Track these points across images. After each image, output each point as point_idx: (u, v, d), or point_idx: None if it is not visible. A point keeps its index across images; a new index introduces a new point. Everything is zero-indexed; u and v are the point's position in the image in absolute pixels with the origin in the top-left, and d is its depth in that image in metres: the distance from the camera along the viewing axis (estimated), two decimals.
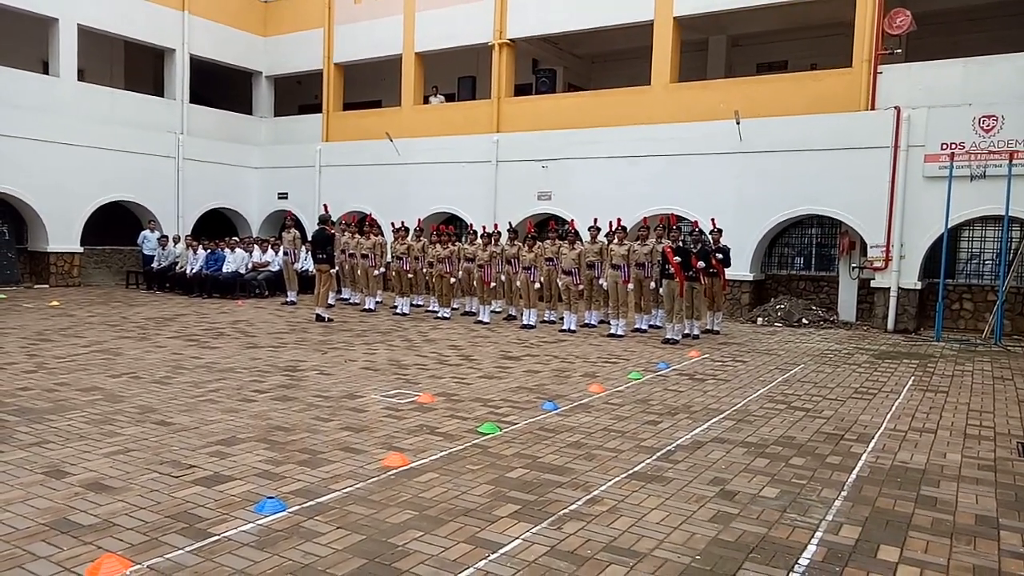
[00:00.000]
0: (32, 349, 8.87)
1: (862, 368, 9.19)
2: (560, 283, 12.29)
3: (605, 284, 12.03)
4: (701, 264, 11.16)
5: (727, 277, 12.74)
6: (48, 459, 4.74)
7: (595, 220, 12.68)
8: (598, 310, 12.79)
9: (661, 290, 11.33)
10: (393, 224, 14.87)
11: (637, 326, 12.31)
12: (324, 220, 13.32)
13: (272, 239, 18.23)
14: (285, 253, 15.54)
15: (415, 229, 14.80)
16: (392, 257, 14.32)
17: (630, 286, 11.70)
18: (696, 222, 14.11)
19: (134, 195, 18.41)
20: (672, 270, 10.80)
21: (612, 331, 11.60)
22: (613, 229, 12.28)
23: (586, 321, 12.76)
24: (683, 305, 11.05)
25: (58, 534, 3.60)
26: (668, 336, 11.04)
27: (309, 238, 16.96)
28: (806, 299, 14.55)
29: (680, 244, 11.04)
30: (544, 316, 13.04)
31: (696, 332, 11.68)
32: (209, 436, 5.37)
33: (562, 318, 12.49)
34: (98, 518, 3.80)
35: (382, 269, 14.54)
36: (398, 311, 13.80)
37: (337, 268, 13.93)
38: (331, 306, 13.77)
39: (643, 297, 12.21)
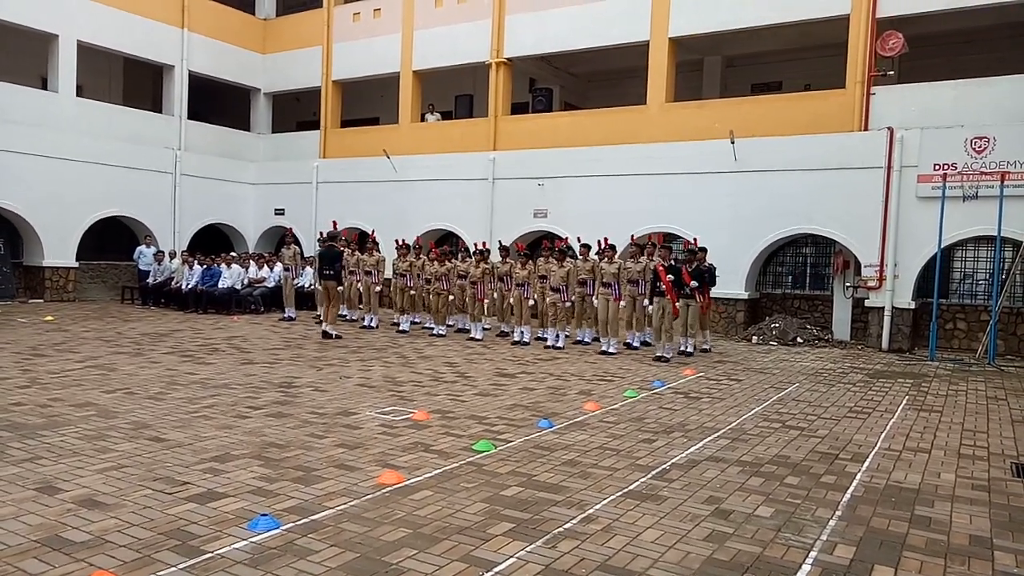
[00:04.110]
0: (26, 364, 8.83)
1: (856, 387, 9.20)
2: (548, 300, 12.37)
3: (596, 302, 12.09)
4: (695, 284, 11.32)
5: (711, 296, 12.79)
6: (41, 475, 4.71)
7: (578, 239, 12.75)
8: (590, 328, 12.82)
9: (650, 308, 11.39)
10: (397, 241, 14.88)
11: (628, 341, 12.36)
12: (333, 237, 13.27)
13: (268, 255, 18.23)
14: (286, 269, 15.50)
15: (415, 246, 14.76)
16: (394, 274, 14.28)
17: (621, 303, 11.76)
18: (695, 240, 14.15)
19: (131, 210, 18.44)
20: (664, 288, 10.86)
21: (604, 348, 11.66)
22: (603, 247, 12.37)
23: (579, 338, 12.79)
24: (671, 322, 11.08)
25: (50, 551, 3.57)
26: (659, 353, 11.08)
27: (305, 254, 16.94)
28: (801, 318, 14.59)
29: (672, 263, 11.11)
30: (538, 333, 13.06)
31: (690, 349, 11.81)
32: (203, 452, 5.35)
33: (558, 335, 12.55)
34: (91, 535, 3.78)
35: (380, 286, 14.51)
36: (400, 328, 13.75)
37: (344, 285, 13.75)
38: (321, 322, 13.70)
39: (635, 314, 12.24)
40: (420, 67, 18.95)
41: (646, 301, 11.72)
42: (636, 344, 12.30)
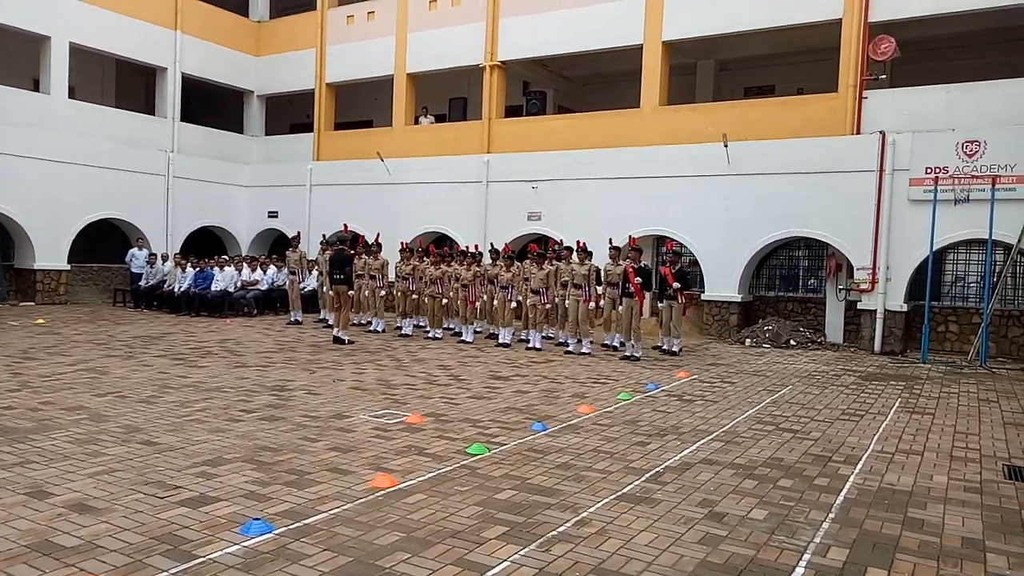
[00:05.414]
0: (17, 367, 8.78)
1: (849, 390, 9.23)
2: (528, 302, 12.49)
3: (567, 303, 12.22)
4: (677, 285, 11.70)
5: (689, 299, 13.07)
6: (31, 479, 4.68)
7: (560, 241, 12.89)
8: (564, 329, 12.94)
9: (620, 308, 11.55)
10: (403, 243, 14.83)
11: (606, 342, 12.56)
12: (343, 240, 13.13)
13: (262, 257, 18.17)
14: (291, 272, 15.39)
15: (418, 249, 14.64)
16: (397, 277, 14.17)
17: (591, 305, 11.87)
18: (669, 244, 14.22)
19: (123, 213, 18.37)
20: (632, 289, 11.10)
21: (569, 349, 11.90)
22: (578, 250, 12.50)
23: (560, 340, 12.81)
24: (639, 323, 11.34)
25: (40, 556, 3.55)
26: (627, 353, 11.35)
27: (309, 258, 16.78)
28: (794, 320, 14.63)
29: (642, 265, 11.39)
30: (520, 335, 13.09)
31: (676, 348, 12.08)
32: (195, 456, 5.32)
33: (549, 337, 12.60)
34: (81, 540, 3.76)
35: (385, 290, 14.34)
36: (402, 331, 13.64)
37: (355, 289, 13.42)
38: (330, 325, 13.60)
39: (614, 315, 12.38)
40: (414, 70, 18.95)
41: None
42: (616, 344, 12.37)
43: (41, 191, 16.62)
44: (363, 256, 14.35)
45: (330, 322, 13.62)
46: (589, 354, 11.66)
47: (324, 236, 15.90)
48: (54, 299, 17.16)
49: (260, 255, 18.93)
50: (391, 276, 14.61)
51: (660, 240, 15.86)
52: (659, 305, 12.60)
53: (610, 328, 12.50)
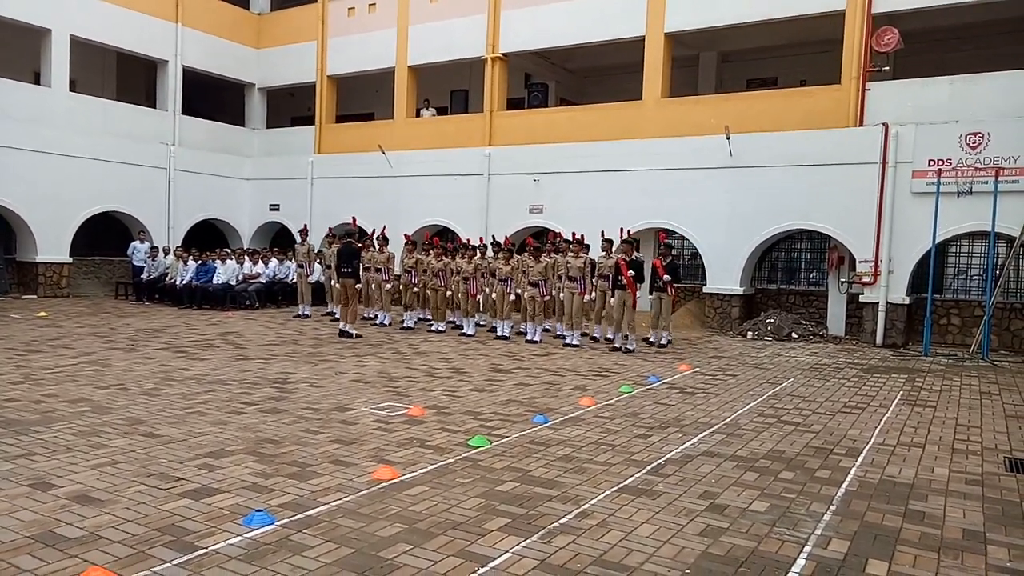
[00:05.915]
0: (19, 360, 8.80)
1: (851, 382, 9.23)
2: (526, 295, 12.51)
3: (561, 295, 12.27)
4: (667, 277, 11.73)
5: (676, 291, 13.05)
6: (34, 471, 4.70)
7: (559, 235, 12.86)
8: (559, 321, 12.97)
9: (612, 300, 11.57)
10: (407, 236, 14.74)
11: (595, 335, 12.61)
12: (351, 233, 13.10)
13: (263, 250, 18.17)
14: (299, 265, 15.37)
15: (423, 243, 14.59)
16: (403, 270, 14.14)
17: (586, 297, 11.91)
18: (660, 234, 14.15)
19: (125, 206, 18.36)
20: (624, 281, 11.12)
21: (567, 341, 11.94)
22: (573, 242, 12.49)
23: (558, 333, 12.82)
24: (632, 315, 11.35)
25: (44, 547, 3.57)
26: (617, 345, 11.42)
27: (316, 250, 16.75)
28: (796, 313, 14.62)
29: (634, 258, 11.38)
30: (519, 328, 13.10)
31: (664, 341, 12.10)
32: (197, 448, 5.33)
33: (546, 329, 12.68)
34: (84, 531, 3.77)
35: (390, 283, 14.29)
36: (404, 324, 13.60)
37: (363, 283, 13.29)
38: (337, 318, 13.57)
39: (605, 308, 12.40)
40: (415, 62, 18.88)
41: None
42: (609, 336, 12.37)
43: (42, 184, 16.60)
44: (369, 249, 14.32)
45: (337, 315, 13.60)
46: (578, 346, 11.71)
47: (331, 229, 15.86)
48: (56, 292, 17.17)
49: (262, 248, 18.93)
50: (397, 269, 14.58)
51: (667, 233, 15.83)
52: (648, 297, 12.63)
53: (601, 320, 12.51)
